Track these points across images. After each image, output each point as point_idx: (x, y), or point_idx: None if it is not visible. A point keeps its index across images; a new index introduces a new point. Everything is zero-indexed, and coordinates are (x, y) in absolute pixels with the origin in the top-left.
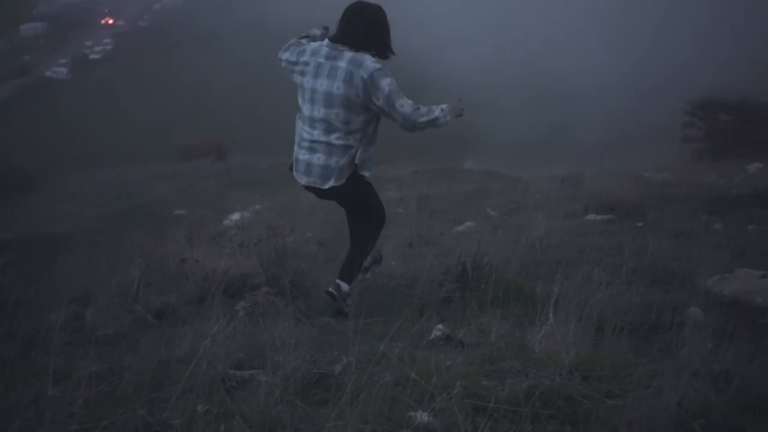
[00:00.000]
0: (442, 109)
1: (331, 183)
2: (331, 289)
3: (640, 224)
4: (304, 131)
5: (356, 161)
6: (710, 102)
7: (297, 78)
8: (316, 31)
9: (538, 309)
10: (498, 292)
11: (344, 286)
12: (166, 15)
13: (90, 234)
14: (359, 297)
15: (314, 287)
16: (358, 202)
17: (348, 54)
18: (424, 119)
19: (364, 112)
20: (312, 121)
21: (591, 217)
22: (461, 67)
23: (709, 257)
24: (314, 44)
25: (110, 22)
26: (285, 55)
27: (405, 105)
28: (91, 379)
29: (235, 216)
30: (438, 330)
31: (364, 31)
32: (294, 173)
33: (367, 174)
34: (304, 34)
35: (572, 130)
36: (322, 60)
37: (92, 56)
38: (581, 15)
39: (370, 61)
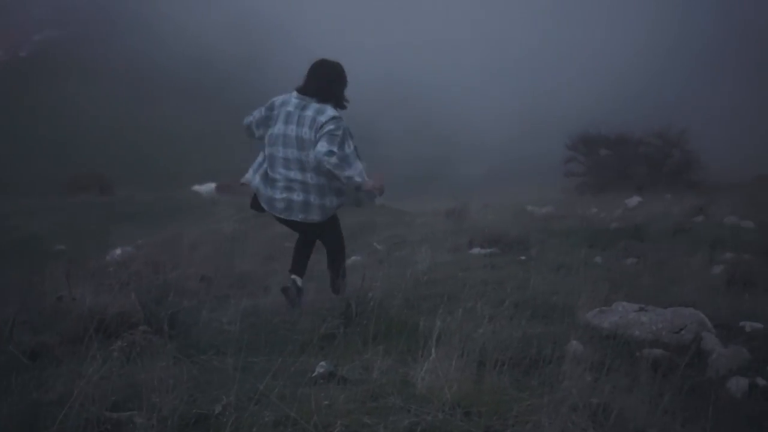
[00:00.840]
0: (356, 172)
1: (316, 219)
2: (288, 285)
3: (523, 258)
4: (278, 173)
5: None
6: (590, 137)
7: (262, 130)
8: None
9: (421, 344)
10: (382, 327)
11: (298, 281)
12: (47, 45)
13: None
14: (241, 335)
15: (195, 324)
16: (329, 235)
17: (314, 105)
18: (330, 166)
19: None
20: (287, 162)
21: (475, 250)
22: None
23: (588, 291)
24: (282, 96)
25: None
26: (254, 114)
27: (323, 147)
28: None
29: (118, 251)
30: (321, 367)
31: (326, 82)
32: (268, 210)
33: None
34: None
35: (458, 164)
36: (291, 109)
37: None
38: (466, 48)
39: (330, 110)
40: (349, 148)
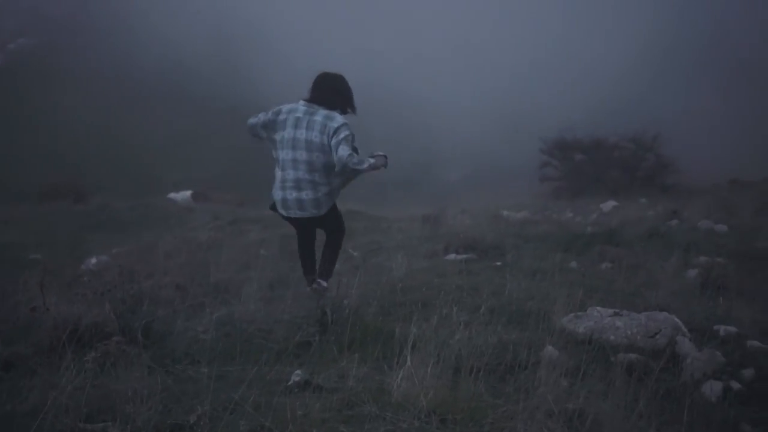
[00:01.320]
0: (369, 162)
1: (324, 210)
2: (314, 285)
3: (499, 263)
4: (288, 173)
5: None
6: (565, 142)
7: (266, 133)
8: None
9: (396, 351)
10: (357, 334)
11: (323, 283)
12: (22, 55)
13: None
14: (216, 344)
15: (170, 333)
16: (332, 221)
17: (323, 111)
18: (353, 166)
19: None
20: (296, 163)
21: (451, 256)
22: None
23: (563, 296)
24: (288, 105)
25: None
26: (260, 117)
27: (345, 151)
28: None
29: (93, 260)
30: (296, 375)
31: (330, 92)
32: (281, 210)
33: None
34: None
35: (436, 170)
36: (300, 115)
37: None
38: (443, 55)
39: (339, 117)
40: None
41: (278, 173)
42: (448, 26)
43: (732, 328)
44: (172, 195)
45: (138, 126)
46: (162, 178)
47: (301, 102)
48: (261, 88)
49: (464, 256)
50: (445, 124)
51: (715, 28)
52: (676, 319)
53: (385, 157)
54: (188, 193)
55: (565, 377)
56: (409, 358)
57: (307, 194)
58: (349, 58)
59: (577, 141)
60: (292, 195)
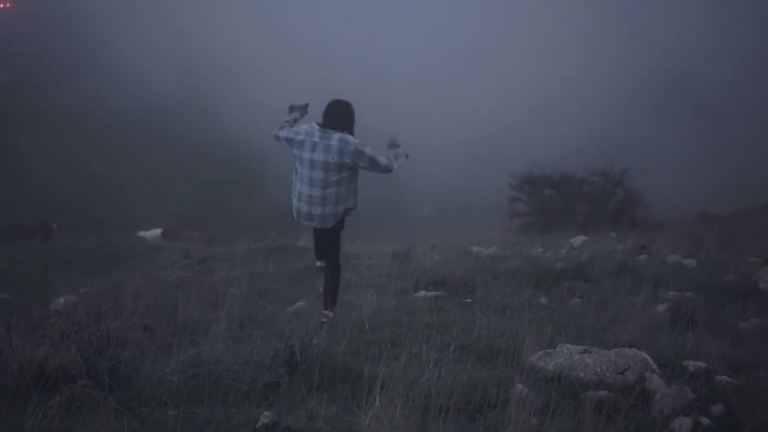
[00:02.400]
0: (399, 153)
1: (331, 224)
2: (323, 320)
3: (469, 300)
4: (303, 188)
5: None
6: (534, 177)
7: (293, 150)
8: (296, 115)
9: (365, 391)
10: (326, 374)
11: (329, 314)
12: None
13: None
14: (183, 385)
15: (137, 375)
16: (334, 244)
17: (336, 135)
18: (395, 164)
19: (349, 171)
20: (312, 181)
21: (421, 293)
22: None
23: (533, 333)
24: (305, 126)
25: None
26: (282, 133)
27: (383, 161)
28: None
29: (61, 300)
30: (265, 417)
31: (339, 117)
32: (294, 215)
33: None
34: (286, 119)
35: (405, 206)
36: (317, 140)
37: None
38: (411, 89)
39: (352, 139)
40: (371, 153)
41: (296, 184)
42: (416, 62)
43: (701, 364)
44: (142, 233)
45: (108, 163)
46: (131, 215)
47: (316, 127)
48: (227, 124)
49: (434, 293)
50: (414, 159)
51: (682, 66)
52: (645, 355)
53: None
54: (158, 231)
55: (534, 415)
56: (378, 398)
57: (315, 209)
58: (314, 94)
59: (545, 176)
60: (304, 208)
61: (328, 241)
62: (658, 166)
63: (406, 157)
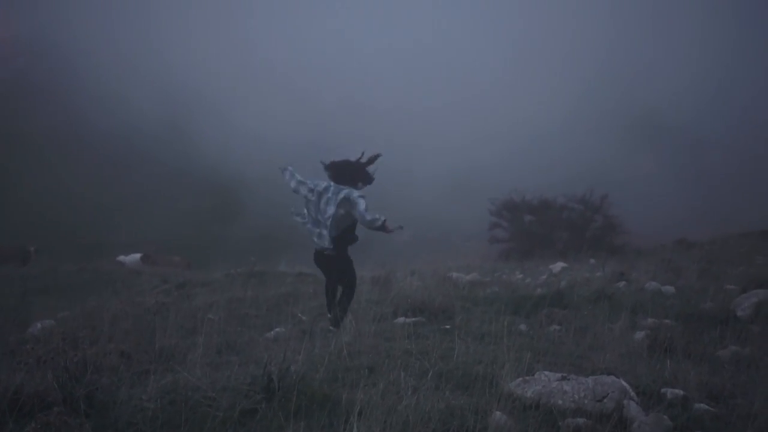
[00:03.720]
0: (384, 219)
1: (329, 246)
2: (331, 327)
3: (448, 326)
4: (312, 224)
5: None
6: (514, 203)
7: (295, 187)
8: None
9: (343, 418)
10: (304, 401)
11: (334, 329)
12: None
13: None
14: (160, 412)
15: (113, 402)
16: (344, 271)
17: (345, 189)
18: (376, 224)
19: (351, 218)
20: (318, 223)
21: (401, 320)
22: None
23: (512, 360)
24: (324, 182)
25: None
26: (301, 189)
27: (366, 216)
28: None
29: (38, 325)
30: None
31: (340, 175)
32: (312, 243)
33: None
34: (299, 178)
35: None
36: (330, 195)
37: None
38: (392, 116)
39: (355, 192)
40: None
41: (309, 220)
42: (395, 88)
43: (679, 391)
44: (121, 257)
45: (87, 187)
46: (111, 240)
47: (332, 184)
48: (205, 150)
49: (413, 319)
50: (394, 186)
51: (656, 95)
52: (624, 383)
53: (401, 227)
54: (137, 255)
55: None
56: (356, 425)
57: (320, 244)
58: (292, 122)
59: (525, 202)
60: (315, 240)
61: (338, 276)
62: (637, 193)
63: (380, 225)
